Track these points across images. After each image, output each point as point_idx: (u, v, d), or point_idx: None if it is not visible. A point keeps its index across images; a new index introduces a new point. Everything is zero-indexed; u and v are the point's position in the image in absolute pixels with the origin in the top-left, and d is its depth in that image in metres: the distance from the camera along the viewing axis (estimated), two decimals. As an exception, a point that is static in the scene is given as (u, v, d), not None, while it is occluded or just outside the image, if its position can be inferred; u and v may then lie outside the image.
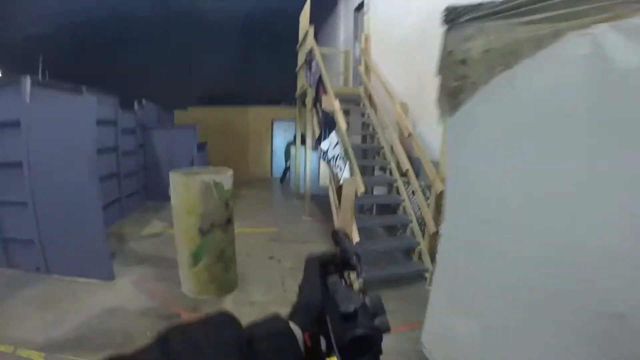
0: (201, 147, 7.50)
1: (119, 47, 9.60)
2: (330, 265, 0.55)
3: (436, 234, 3.48)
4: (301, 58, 6.84)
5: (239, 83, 10.66)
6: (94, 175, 3.46)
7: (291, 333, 0.46)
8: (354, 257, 0.54)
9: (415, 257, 4.11)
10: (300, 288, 0.54)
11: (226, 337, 0.43)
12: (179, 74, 10.18)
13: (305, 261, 0.56)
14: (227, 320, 0.46)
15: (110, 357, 0.37)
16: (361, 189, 3.46)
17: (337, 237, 0.58)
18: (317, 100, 5.27)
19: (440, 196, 3.65)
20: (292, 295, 0.53)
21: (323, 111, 4.50)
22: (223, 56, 10.48)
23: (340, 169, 3.91)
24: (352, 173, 3.67)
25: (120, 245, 4.62)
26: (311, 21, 6.04)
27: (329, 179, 4.91)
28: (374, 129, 5.64)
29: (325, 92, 4.89)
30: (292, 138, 9.55)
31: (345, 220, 3.58)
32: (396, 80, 5.32)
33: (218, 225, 3.12)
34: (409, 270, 3.90)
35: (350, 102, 6.08)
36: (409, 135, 4.54)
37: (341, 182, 3.60)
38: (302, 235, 5.31)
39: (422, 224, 4.21)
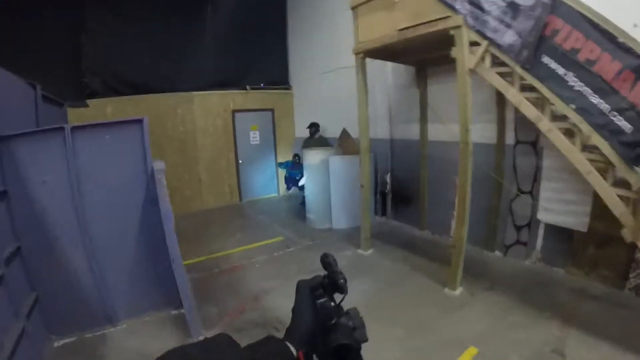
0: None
1: None
2: (320, 288, 0.59)
3: None
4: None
5: (176, 59, 6.19)
6: None
7: (290, 352, 0.51)
8: (341, 279, 0.57)
9: None
10: (293, 311, 0.59)
11: (227, 357, 0.44)
12: (69, 43, 5.03)
13: (297, 286, 0.61)
14: (226, 341, 0.48)
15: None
16: None
17: (327, 260, 0.61)
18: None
19: None
20: None
21: None
22: (145, 19, 5.81)
23: None
24: None
25: None
26: None
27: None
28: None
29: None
30: (314, 128, 6.11)
31: None
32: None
33: None
34: None
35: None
36: None
37: None
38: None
39: None
